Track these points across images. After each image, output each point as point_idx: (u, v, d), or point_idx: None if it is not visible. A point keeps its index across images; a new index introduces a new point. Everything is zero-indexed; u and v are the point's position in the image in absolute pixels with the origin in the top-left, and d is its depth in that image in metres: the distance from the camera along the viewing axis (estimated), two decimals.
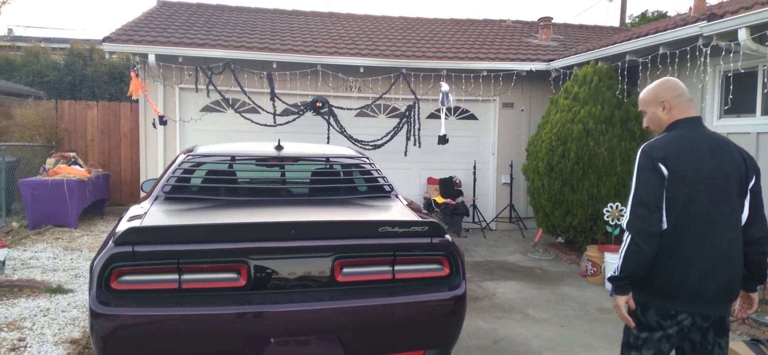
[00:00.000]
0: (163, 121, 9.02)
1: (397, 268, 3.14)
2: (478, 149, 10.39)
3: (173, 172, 3.92)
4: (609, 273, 6.49)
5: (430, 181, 10.13)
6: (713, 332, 2.54)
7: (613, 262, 6.53)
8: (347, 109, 9.48)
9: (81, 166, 10.11)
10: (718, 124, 7.06)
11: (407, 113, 9.49)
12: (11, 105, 11.80)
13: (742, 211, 2.54)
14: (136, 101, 10.27)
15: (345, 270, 3.07)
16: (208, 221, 3.22)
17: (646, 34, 7.35)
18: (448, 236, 3.23)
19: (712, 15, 6.03)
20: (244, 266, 2.94)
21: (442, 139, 9.37)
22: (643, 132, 7.88)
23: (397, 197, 4.06)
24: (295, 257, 3.02)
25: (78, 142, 11.74)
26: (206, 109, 9.62)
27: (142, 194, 5.08)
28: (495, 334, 5.06)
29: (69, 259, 7.26)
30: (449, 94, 9.17)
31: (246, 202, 3.72)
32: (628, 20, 22.54)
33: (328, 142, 9.17)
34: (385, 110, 10.09)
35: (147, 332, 2.82)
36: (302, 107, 9.30)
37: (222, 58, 8.98)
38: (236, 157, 4.15)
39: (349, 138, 9.32)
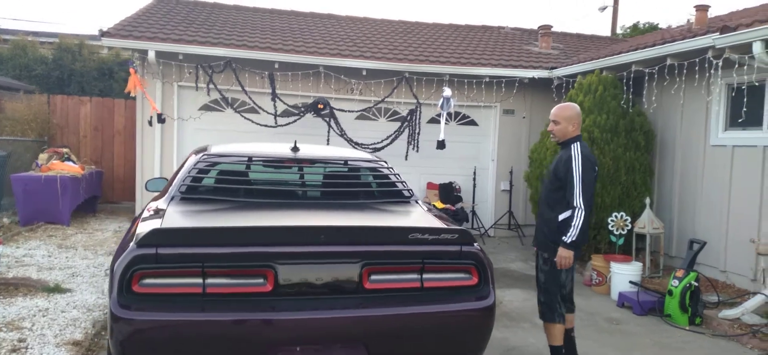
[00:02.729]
0: (161, 119, 8.86)
1: (425, 276, 3.06)
2: (478, 155, 10.34)
3: (189, 171, 3.80)
4: (617, 277, 6.48)
5: (430, 186, 10.06)
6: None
7: (619, 272, 6.50)
8: (348, 111, 9.39)
9: (74, 162, 9.90)
10: (722, 136, 7.08)
11: (409, 117, 9.42)
12: (1, 98, 11.56)
13: None
14: (132, 98, 10.09)
15: (373, 277, 2.98)
16: (233, 223, 3.12)
17: (653, 45, 7.35)
18: (476, 245, 3.15)
19: (724, 27, 6.03)
20: (270, 271, 2.84)
21: (441, 145, 9.31)
22: (647, 142, 7.89)
23: (417, 202, 3.98)
24: (323, 263, 2.93)
25: (70, 138, 11.51)
26: (205, 108, 9.47)
27: (155, 194, 4.96)
28: (507, 343, 4.99)
29: (64, 257, 7.08)
30: (451, 99, 9.12)
31: (265, 204, 3.61)
32: (619, 31, 22.69)
33: (327, 145, 9.07)
34: (385, 114, 10.01)
35: (169, 338, 2.71)
36: (303, 108, 9.19)
37: (223, 56, 8.85)
38: (253, 158, 4.04)
39: (349, 141, 9.23)
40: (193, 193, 3.67)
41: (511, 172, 10.19)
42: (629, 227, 7.03)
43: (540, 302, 4.12)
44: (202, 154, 4.06)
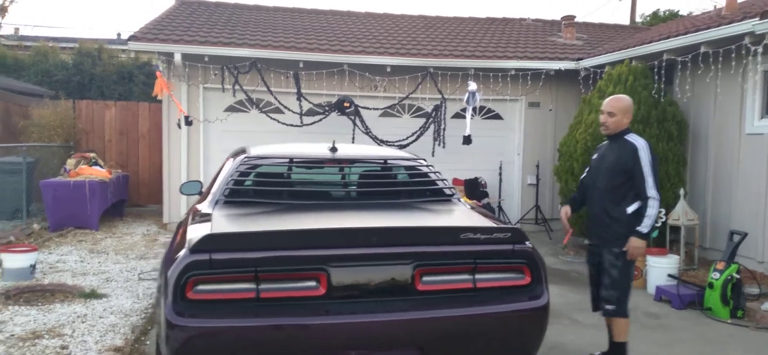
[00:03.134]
0: (188, 122, 8.88)
1: (477, 276, 3.00)
2: (504, 149, 10.24)
3: (231, 175, 3.77)
4: (654, 271, 6.36)
5: (456, 182, 9.97)
6: None
7: (656, 265, 6.39)
8: (373, 109, 9.35)
9: (101, 166, 9.98)
10: (758, 124, 6.92)
11: (434, 113, 9.35)
12: (28, 105, 11.68)
13: None
14: (157, 101, 10.14)
15: (425, 278, 2.93)
16: (282, 226, 3.08)
17: (686, 33, 7.20)
18: (528, 243, 3.09)
19: (765, 12, 5.88)
20: (323, 274, 2.80)
21: (467, 140, 9.23)
22: (680, 132, 7.74)
23: (459, 200, 3.92)
24: (375, 265, 2.88)
25: (96, 143, 11.60)
26: (230, 109, 9.48)
27: (191, 197, 4.95)
28: (547, 340, 4.83)
29: (97, 262, 7.12)
30: (476, 94, 9.03)
31: (310, 206, 3.58)
32: (638, 19, 22.38)
33: (353, 143, 9.03)
34: (409, 110, 9.95)
35: (224, 344, 2.69)
36: (328, 107, 9.16)
37: (248, 57, 8.85)
38: (294, 159, 4.00)
39: (374, 138, 9.18)
40: (236, 196, 3.64)
41: (537, 166, 10.08)
42: (664, 219, 6.91)
43: (609, 299, 4.04)
44: (242, 156, 4.03)
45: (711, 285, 5.64)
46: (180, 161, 9.38)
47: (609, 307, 4.05)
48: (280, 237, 2.83)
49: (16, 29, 27.88)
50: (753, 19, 6.05)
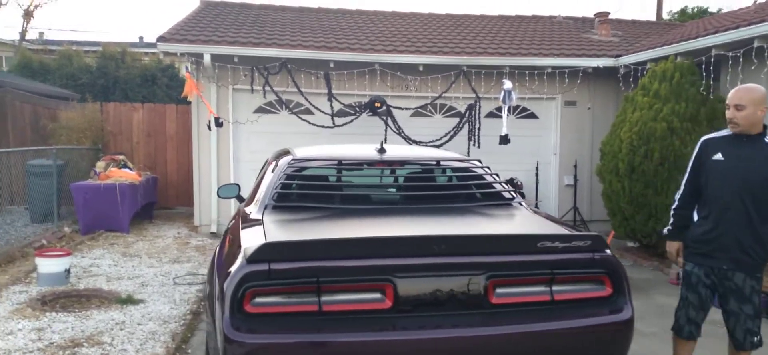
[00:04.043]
0: (218, 123, 8.75)
1: (555, 288, 2.77)
2: (539, 149, 9.96)
3: (279, 178, 3.58)
4: None
5: None
6: None
7: None
8: (405, 109, 9.13)
9: (131, 169, 9.90)
10: None
11: (468, 112, 9.11)
12: (55, 108, 11.68)
13: None
14: (186, 102, 10.04)
15: (499, 291, 2.71)
16: (345, 233, 2.88)
17: (737, 27, 6.88)
18: (608, 251, 2.85)
19: None
20: (390, 286, 2.59)
21: (504, 140, 8.97)
22: None
23: (521, 204, 3.69)
24: (445, 276, 2.66)
25: (123, 145, 11.55)
26: (259, 110, 9.33)
27: (230, 200, 4.79)
28: None
29: (130, 266, 7.00)
30: (512, 92, 8.76)
31: (365, 211, 3.37)
32: (666, 16, 21.87)
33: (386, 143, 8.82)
34: (441, 110, 9.72)
35: None
36: (358, 108, 8.97)
37: (279, 57, 8.69)
38: (343, 161, 3.80)
39: (407, 139, 8.97)
40: (285, 200, 3.45)
41: (575, 166, 9.78)
42: None
43: (755, 331, 3.38)
44: (289, 158, 3.83)
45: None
46: (210, 163, 9.25)
47: (755, 339, 3.39)
48: (344, 245, 2.63)
49: (41, 34, 28.24)
50: None
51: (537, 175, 9.64)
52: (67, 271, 6.13)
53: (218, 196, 5.35)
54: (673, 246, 3.67)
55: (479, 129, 9.13)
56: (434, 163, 3.98)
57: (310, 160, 3.81)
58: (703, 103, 7.34)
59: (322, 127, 8.83)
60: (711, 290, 3.44)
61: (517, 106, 9.75)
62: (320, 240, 2.69)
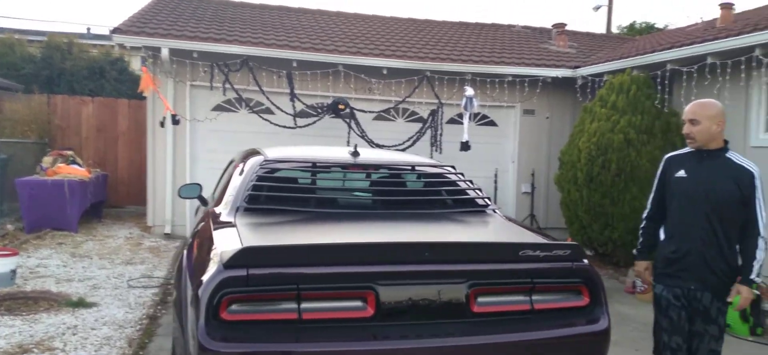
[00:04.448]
0: (175, 120, 8.48)
1: (534, 297, 2.78)
2: (498, 157, 10.09)
3: (250, 179, 3.47)
4: None
5: None
6: None
7: None
8: (368, 112, 9.08)
9: (80, 165, 9.50)
10: (763, 137, 6.88)
11: (431, 118, 9.14)
12: (1, 98, 11.08)
13: None
14: (140, 98, 9.71)
15: (480, 300, 2.69)
16: (324, 239, 2.81)
17: (691, 43, 7.14)
18: (586, 261, 2.88)
19: None
20: (371, 293, 2.54)
21: (465, 146, 9.04)
22: (684, 144, 7.66)
23: (495, 211, 3.70)
24: (428, 283, 2.62)
25: (72, 140, 11.07)
26: (218, 108, 9.10)
27: (205, 204, 4.62)
28: None
29: (80, 267, 6.70)
30: (474, 99, 8.85)
31: (340, 216, 3.30)
32: (615, 30, 22.59)
33: (348, 146, 8.75)
34: (404, 114, 9.72)
35: None
36: (321, 109, 8.86)
37: (240, 54, 8.50)
38: (318, 164, 3.71)
39: (370, 142, 8.91)
40: (257, 203, 3.33)
41: (532, 174, 9.96)
42: None
43: (717, 352, 3.27)
44: (259, 159, 3.72)
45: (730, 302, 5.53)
46: (165, 161, 8.96)
47: None
48: (326, 251, 2.55)
49: None
50: (766, 31, 6.00)
51: (496, 182, 9.76)
52: (13, 272, 5.80)
53: (179, 196, 5.17)
54: (641, 265, 3.60)
55: (441, 135, 9.17)
56: (409, 167, 3.95)
57: (282, 161, 3.71)
58: (657, 116, 7.58)
59: (284, 127, 8.68)
60: (685, 311, 3.28)
61: (478, 114, 9.84)
62: (302, 245, 2.61)
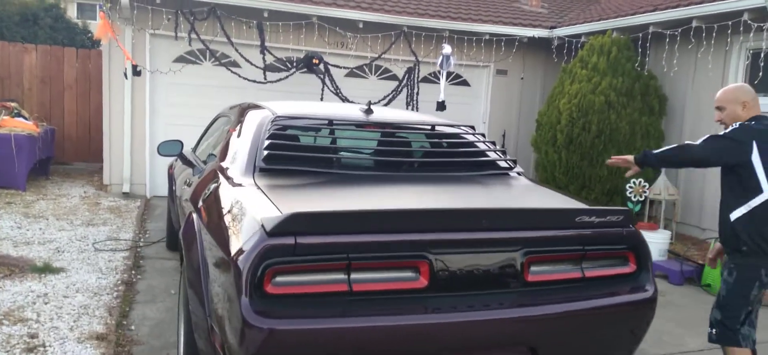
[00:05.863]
0: (136, 72, 7.88)
1: (584, 265, 2.63)
2: (470, 117, 9.93)
3: (262, 136, 3.14)
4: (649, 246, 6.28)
5: None
6: None
7: (649, 240, 6.32)
8: (343, 67, 8.72)
9: (26, 118, 8.72)
10: None
11: (407, 76, 8.85)
12: None
13: None
14: (86, 46, 8.97)
15: (533, 268, 2.52)
16: (375, 205, 2.55)
17: (677, 6, 7.12)
18: (633, 227, 2.74)
19: None
20: (425, 263, 2.32)
21: (441, 106, 8.82)
22: (662, 107, 7.73)
23: (519, 174, 3.53)
24: (483, 252, 2.42)
25: (12, 91, 10.16)
26: (180, 59, 8.51)
27: (189, 163, 4.26)
28: None
29: (38, 229, 6.16)
30: (451, 58, 8.61)
31: (371, 179, 3.05)
32: None
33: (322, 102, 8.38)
34: (377, 71, 9.40)
35: (313, 348, 2.15)
36: (293, 63, 8.43)
37: (207, 1, 7.92)
38: (335, 122, 3.41)
39: (345, 100, 8.57)
40: (274, 163, 3.02)
41: (503, 136, 9.88)
42: (647, 194, 6.89)
43: (711, 323, 3.27)
44: (268, 114, 3.38)
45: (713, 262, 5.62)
46: (123, 115, 8.35)
47: (711, 331, 3.28)
48: (380, 218, 2.30)
49: None
50: None
51: None
52: None
53: (158, 153, 4.77)
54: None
55: (418, 94, 8.92)
56: (429, 127, 3.71)
57: (295, 117, 3.39)
58: (637, 79, 7.59)
59: (253, 81, 8.21)
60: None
61: (451, 73, 9.63)
62: (354, 211, 2.34)
